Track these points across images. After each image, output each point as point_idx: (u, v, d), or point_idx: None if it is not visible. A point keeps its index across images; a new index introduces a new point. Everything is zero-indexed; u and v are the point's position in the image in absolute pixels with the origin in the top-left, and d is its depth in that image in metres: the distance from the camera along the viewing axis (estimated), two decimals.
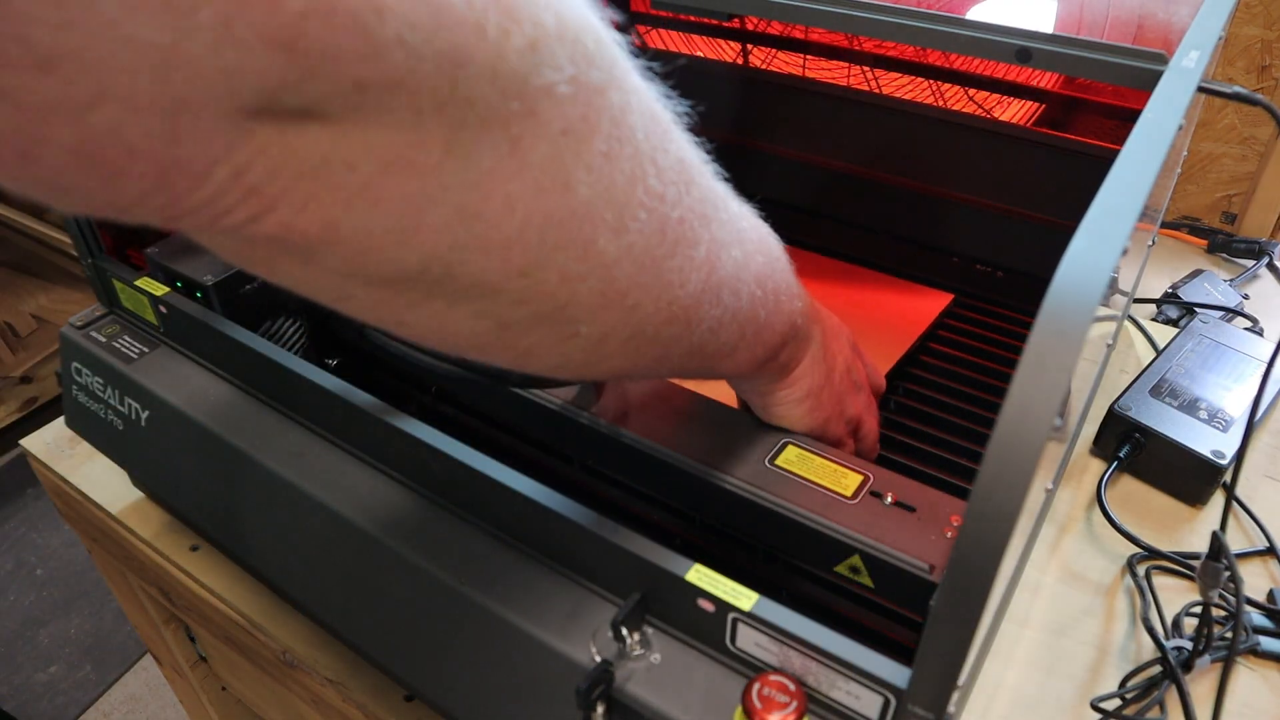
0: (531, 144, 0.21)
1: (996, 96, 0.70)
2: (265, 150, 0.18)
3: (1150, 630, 0.48)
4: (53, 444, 0.65)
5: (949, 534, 0.35)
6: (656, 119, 0.24)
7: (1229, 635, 0.47)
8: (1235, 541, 0.55)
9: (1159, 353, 0.64)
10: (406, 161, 0.19)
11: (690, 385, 0.43)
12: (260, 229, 0.19)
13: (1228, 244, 0.87)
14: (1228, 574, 0.42)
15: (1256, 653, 0.48)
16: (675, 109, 0.26)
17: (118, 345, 0.52)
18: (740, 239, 0.29)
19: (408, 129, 0.19)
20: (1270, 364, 0.40)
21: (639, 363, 0.29)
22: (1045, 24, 0.63)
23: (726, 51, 0.79)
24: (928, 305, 0.64)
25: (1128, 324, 0.73)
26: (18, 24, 0.14)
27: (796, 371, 0.38)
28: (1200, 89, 0.36)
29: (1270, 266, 0.84)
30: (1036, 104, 0.69)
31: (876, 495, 0.37)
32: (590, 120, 0.22)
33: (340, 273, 0.22)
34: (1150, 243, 0.69)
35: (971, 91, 0.70)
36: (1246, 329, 0.73)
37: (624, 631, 0.33)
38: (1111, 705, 0.45)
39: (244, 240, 0.20)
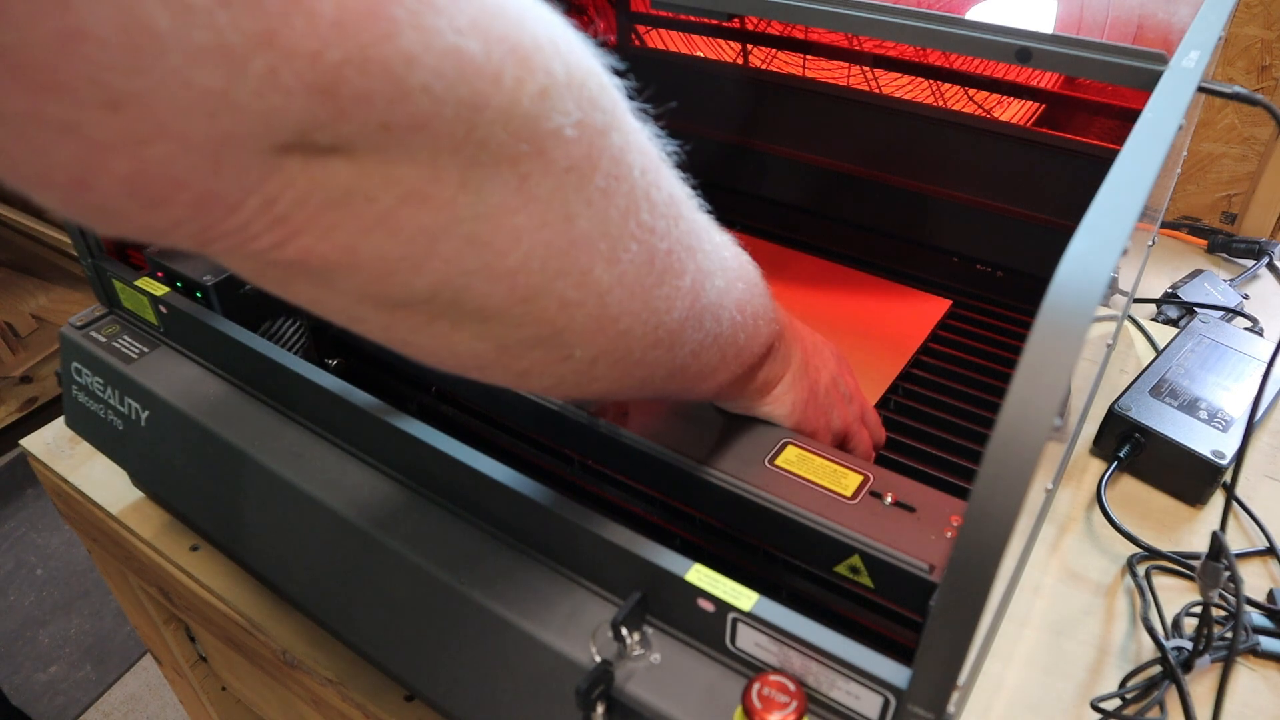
0: (538, 181, 0.22)
1: (996, 96, 0.70)
2: (294, 182, 0.19)
3: (1150, 630, 0.48)
4: (53, 444, 0.65)
5: (949, 534, 0.35)
6: (650, 158, 0.26)
7: (1229, 635, 0.47)
8: (1235, 541, 0.55)
9: (1159, 353, 0.64)
10: (423, 195, 0.21)
11: None
12: (283, 254, 0.21)
13: (1228, 244, 0.87)
14: (1228, 574, 0.42)
15: (1256, 653, 0.48)
16: (665, 148, 0.27)
17: (118, 345, 0.52)
18: (723, 268, 0.31)
19: (425, 165, 0.20)
20: (1270, 364, 0.40)
21: (626, 384, 0.30)
22: (1045, 24, 0.63)
23: (726, 51, 0.79)
24: (924, 315, 0.63)
25: (1128, 324, 0.73)
26: (95, 69, 0.15)
27: (776, 390, 0.40)
28: (1200, 89, 0.36)
29: (1270, 266, 0.84)
30: (1036, 104, 0.69)
31: (876, 495, 0.37)
32: (592, 159, 0.23)
33: (355, 295, 0.23)
34: (1150, 243, 0.69)
35: (971, 91, 0.70)
36: (1246, 329, 0.73)
37: (624, 631, 0.33)
38: (1111, 705, 0.45)
39: (265, 263, 0.21)
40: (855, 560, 0.35)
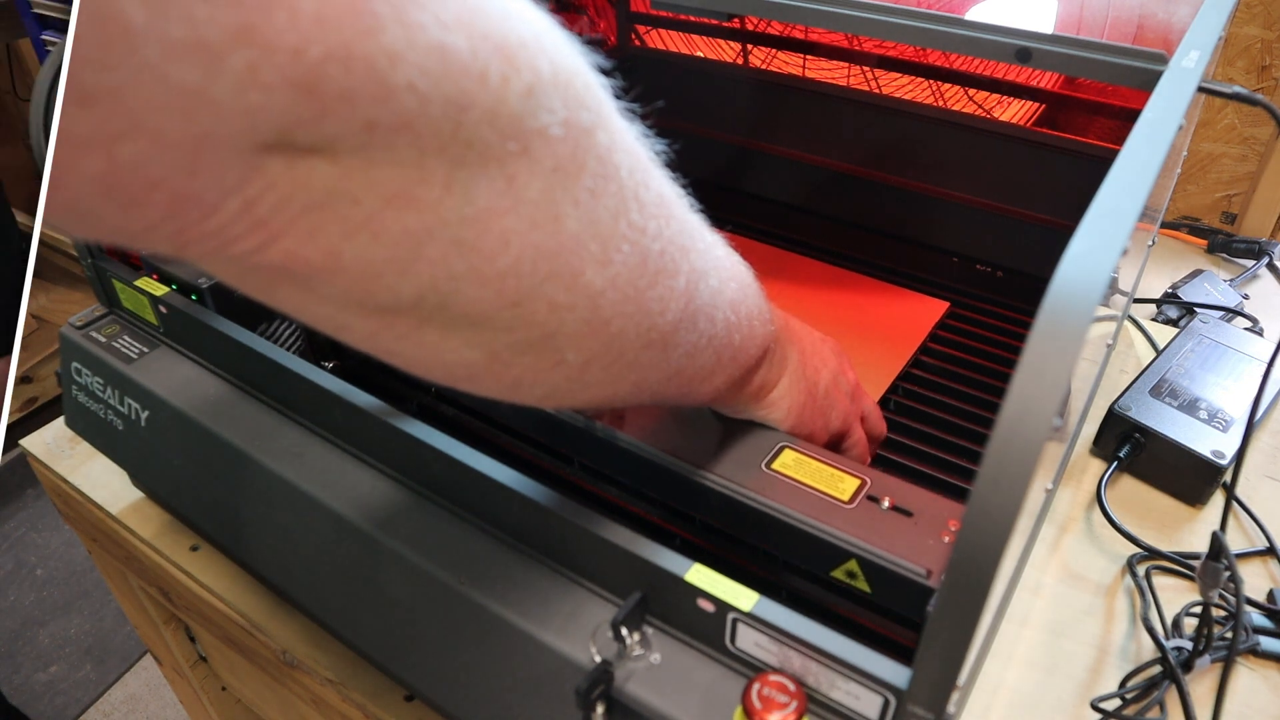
0: (525, 181, 0.22)
1: (996, 96, 0.70)
2: (275, 184, 0.19)
3: (1150, 630, 0.48)
4: (53, 444, 0.65)
5: (946, 539, 0.35)
6: (638, 157, 0.26)
7: (1229, 635, 0.47)
8: (1235, 541, 0.55)
9: (1159, 353, 0.64)
10: (408, 197, 0.20)
11: None
12: (264, 257, 0.20)
13: (1228, 244, 0.87)
14: (1228, 574, 0.42)
15: (1256, 653, 0.48)
16: (654, 148, 0.27)
17: (118, 345, 0.52)
18: (716, 268, 0.31)
19: (411, 167, 0.20)
20: (1270, 364, 0.40)
21: (619, 389, 0.30)
22: (1045, 24, 0.64)
23: (726, 51, 0.79)
24: (921, 317, 0.63)
25: (1128, 324, 0.73)
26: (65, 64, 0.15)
27: (774, 394, 0.39)
28: (1200, 89, 0.36)
29: (1270, 266, 0.84)
30: (1036, 104, 0.69)
31: (874, 500, 0.36)
32: (579, 159, 0.23)
33: (339, 301, 0.23)
34: (1150, 243, 0.69)
35: (971, 91, 0.70)
36: (1246, 329, 0.73)
37: (624, 631, 0.33)
38: (1111, 705, 0.45)
39: (246, 267, 0.21)
40: (852, 565, 0.35)
